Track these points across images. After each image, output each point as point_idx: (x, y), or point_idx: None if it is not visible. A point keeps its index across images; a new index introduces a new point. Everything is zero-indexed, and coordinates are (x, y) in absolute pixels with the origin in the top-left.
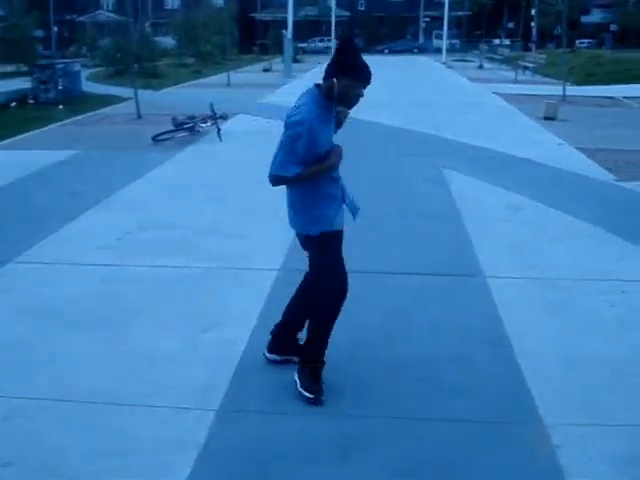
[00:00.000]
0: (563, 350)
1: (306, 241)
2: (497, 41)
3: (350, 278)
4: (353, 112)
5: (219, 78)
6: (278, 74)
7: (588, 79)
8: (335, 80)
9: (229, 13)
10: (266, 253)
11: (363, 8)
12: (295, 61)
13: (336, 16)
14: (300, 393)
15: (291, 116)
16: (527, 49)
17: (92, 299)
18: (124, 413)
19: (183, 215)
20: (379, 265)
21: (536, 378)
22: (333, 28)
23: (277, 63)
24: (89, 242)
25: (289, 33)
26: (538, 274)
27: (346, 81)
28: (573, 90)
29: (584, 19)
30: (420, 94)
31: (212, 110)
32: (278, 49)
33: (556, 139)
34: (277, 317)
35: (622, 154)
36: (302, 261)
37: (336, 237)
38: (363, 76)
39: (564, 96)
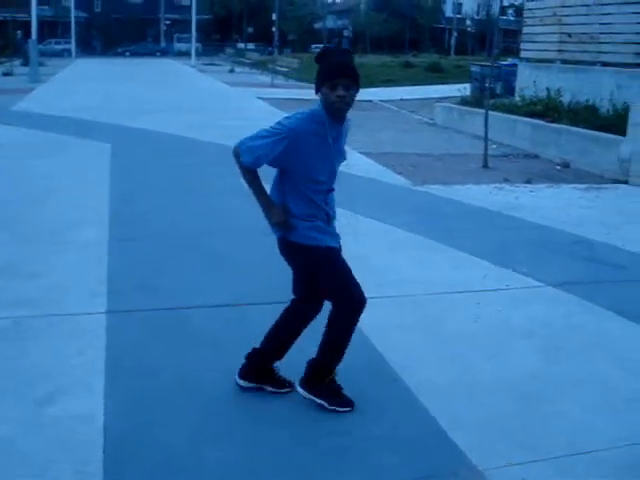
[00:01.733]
0: (455, 377)
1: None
2: (242, 45)
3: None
4: (125, 120)
5: None
6: (21, 78)
7: None
8: (320, 94)
9: None
10: (80, 292)
11: (99, 9)
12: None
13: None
14: (335, 410)
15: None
16: (271, 53)
17: None
18: None
19: None
20: (221, 296)
21: (445, 416)
22: (73, 29)
23: (17, 66)
24: None
25: (34, 34)
26: (392, 291)
27: (324, 90)
28: None
29: (317, 25)
30: (184, 100)
31: None
32: (13, 51)
33: None
34: (129, 371)
35: (405, 157)
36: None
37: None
38: (331, 74)
39: None
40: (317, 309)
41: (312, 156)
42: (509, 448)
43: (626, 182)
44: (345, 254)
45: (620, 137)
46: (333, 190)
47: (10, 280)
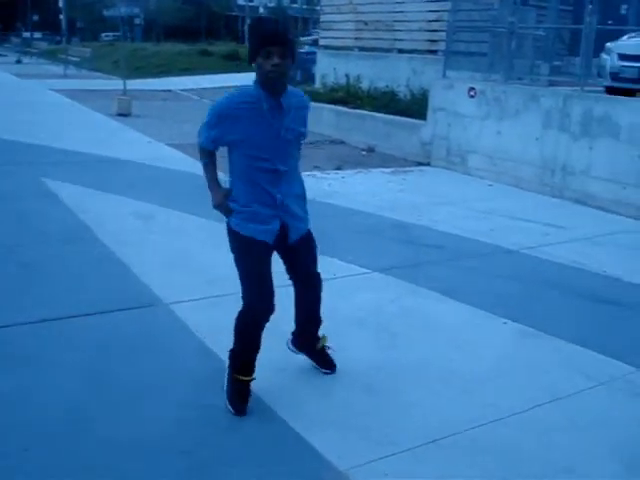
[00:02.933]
0: (294, 374)
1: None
2: (27, 34)
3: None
4: None
5: None
6: None
7: (137, 72)
8: (254, 64)
9: None
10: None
11: None
12: None
13: None
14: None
15: None
16: (59, 42)
17: None
18: None
19: None
20: (41, 311)
21: (295, 417)
22: None
23: None
24: None
25: None
26: (221, 290)
27: (259, 59)
28: (129, 84)
29: (108, 13)
30: None
31: None
32: None
33: (143, 137)
34: None
35: None
36: None
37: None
38: (266, 41)
39: (125, 90)
40: (309, 284)
41: (249, 131)
42: (366, 444)
43: (428, 164)
44: (169, 254)
45: (420, 121)
46: (287, 172)
47: None
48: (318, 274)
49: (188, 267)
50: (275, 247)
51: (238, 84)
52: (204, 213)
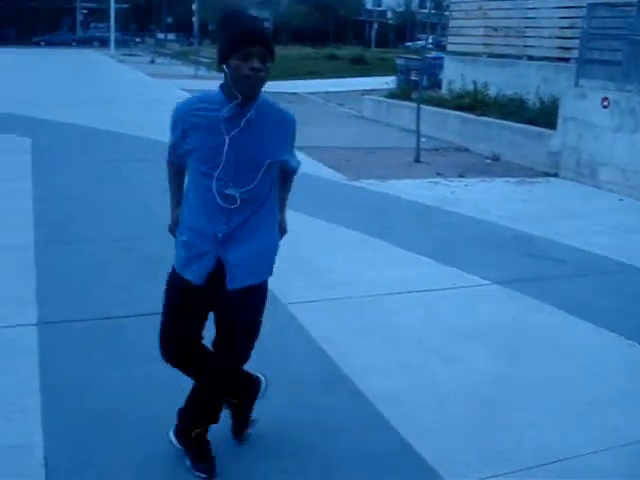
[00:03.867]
0: (413, 384)
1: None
2: (161, 35)
3: None
4: (44, 114)
5: None
6: None
7: None
8: (224, 67)
9: None
10: (7, 302)
11: None
12: None
13: None
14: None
15: None
16: (192, 44)
17: None
18: None
19: None
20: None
21: (409, 427)
22: None
23: None
24: None
25: None
26: (339, 293)
27: (233, 61)
28: None
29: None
30: (104, 91)
31: None
32: None
33: None
34: (65, 391)
35: (336, 151)
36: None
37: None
38: (245, 41)
39: None
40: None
41: (201, 141)
42: (479, 459)
43: (556, 175)
44: (287, 255)
45: (549, 130)
46: (245, 202)
47: None
48: (224, 368)
49: (307, 270)
50: (210, 288)
51: (366, 88)
52: (326, 216)
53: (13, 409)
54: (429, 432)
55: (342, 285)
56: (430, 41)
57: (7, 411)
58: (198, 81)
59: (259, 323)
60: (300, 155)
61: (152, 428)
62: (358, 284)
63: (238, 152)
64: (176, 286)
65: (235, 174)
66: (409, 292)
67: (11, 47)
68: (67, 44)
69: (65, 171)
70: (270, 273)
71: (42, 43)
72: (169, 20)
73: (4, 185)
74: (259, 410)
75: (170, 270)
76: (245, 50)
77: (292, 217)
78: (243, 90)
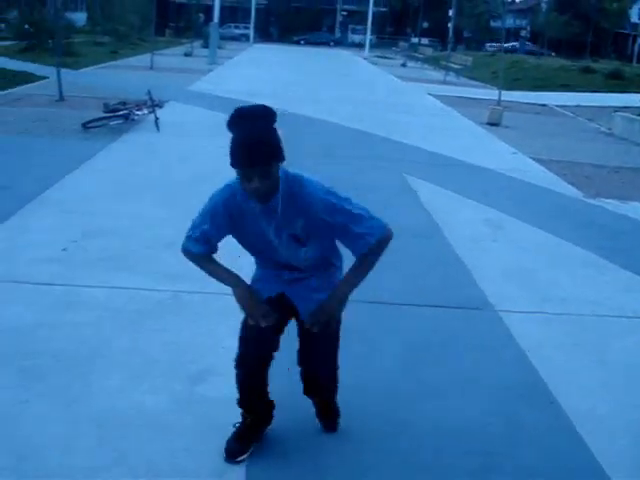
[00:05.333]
0: (618, 410)
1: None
2: (415, 40)
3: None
4: (301, 109)
5: (138, 60)
6: (200, 59)
7: (515, 84)
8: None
9: None
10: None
11: None
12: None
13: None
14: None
15: None
16: (445, 49)
17: (32, 331)
18: None
19: (133, 220)
20: (373, 293)
21: (605, 452)
22: (253, 15)
23: (197, 48)
24: (26, 253)
25: (216, 17)
26: (555, 308)
27: (237, 173)
28: (505, 95)
29: (495, 23)
30: (356, 91)
31: (150, 97)
32: (194, 33)
33: (508, 147)
34: (282, 356)
35: (578, 167)
36: None
37: None
38: (241, 161)
39: (499, 101)
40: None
41: (241, 233)
42: None
43: None
44: (509, 264)
45: None
46: (297, 267)
47: (173, 255)
48: (322, 377)
49: (525, 281)
50: (286, 316)
51: (620, 105)
52: (554, 230)
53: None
54: (622, 456)
55: (561, 301)
56: None
57: (226, 368)
58: (446, 86)
59: None
60: (540, 167)
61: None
62: (578, 302)
63: (281, 240)
64: None
65: (281, 255)
66: (631, 317)
67: (273, 44)
68: (325, 44)
69: (319, 163)
70: None
71: (302, 42)
72: (424, 25)
73: None
74: (463, 411)
75: None
76: (244, 171)
77: (520, 228)
78: (255, 198)
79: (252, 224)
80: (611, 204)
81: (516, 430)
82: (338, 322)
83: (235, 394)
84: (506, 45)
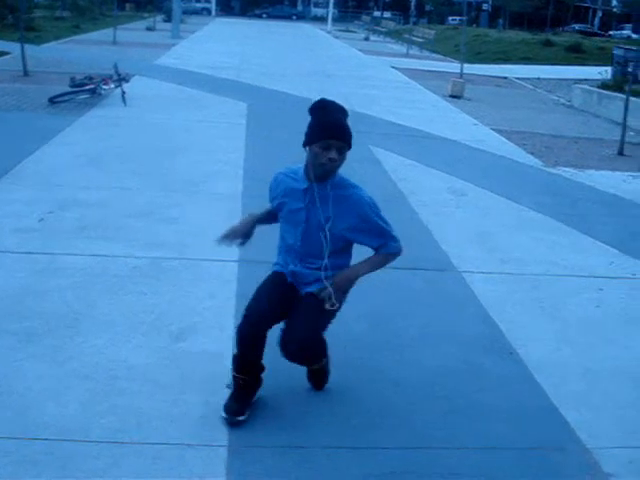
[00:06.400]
0: (574, 359)
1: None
2: (377, 13)
3: None
4: (261, 82)
5: (100, 35)
6: (163, 33)
7: (476, 57)
8: (308, 149)
9: None
10: (213, 240)
11: None
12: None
13: None
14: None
15: None
16: (407, 23)
17: (20, 297)
18: (95, 455)
19: (106, 192)
20: None
21: (558, 394)
22: None
23: (159, 22)
24: (4, 224)
25: None
26: (514, 269)
27: (315, 147)
28: (466, 68)
29: None
30: (319, 64)
31: (116, 71)
32: (155, 7)
33: (470, 119)
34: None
35: (538, 138)
36: (262, 252)
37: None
38: (326, 133)
39: (461, 74)
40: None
41: (285, 204)
42: (621, 432)
43: None
44: (471, 229)
45: None
46: (309, 252)
47: (149, 223)
48: (300, 336)
49: (487, 244)
50: (292, 291)
51: (579, 77)
52: (516, 198)
53: (211, 325)
54: (576, 400)
55: (519, 262)
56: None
57: (206, 326)
58: (408, 59)
59: None
60: (500, 138)
61: None
62: (536, 263)
63: (314, 226)
64: (269, 276)
65: (307, 242)
66: (585, 276)
67: (235, 17)
68: (287, 17)
69: (277, 135)
70: None
71: (264, 16)
72: None
73: (220, 142)
74: (430, 360)
75: None
76: (326, 141)
77: (483, 196)
78: (318, 173)
79: (294, 201)
80: (569, 172)
81: (478, 378)
82: (340, 302)
83: (216, 350)
84: (462, 18)
